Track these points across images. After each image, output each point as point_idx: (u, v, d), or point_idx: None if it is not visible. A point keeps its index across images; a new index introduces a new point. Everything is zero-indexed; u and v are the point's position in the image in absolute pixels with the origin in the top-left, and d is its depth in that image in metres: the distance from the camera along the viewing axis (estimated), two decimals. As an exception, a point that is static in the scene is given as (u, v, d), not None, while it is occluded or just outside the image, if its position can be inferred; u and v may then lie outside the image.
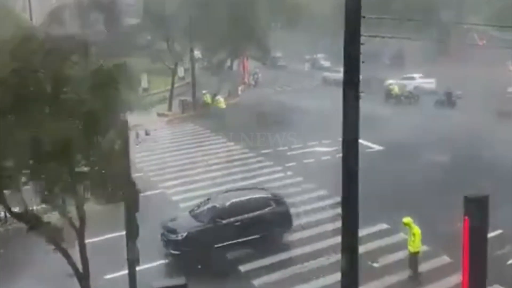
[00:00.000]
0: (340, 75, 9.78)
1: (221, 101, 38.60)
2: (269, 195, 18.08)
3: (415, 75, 46.06)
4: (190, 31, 38.86)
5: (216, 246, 15.91)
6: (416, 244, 14.95)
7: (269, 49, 44.96)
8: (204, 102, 39.31)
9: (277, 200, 17.80)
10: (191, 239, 16.02)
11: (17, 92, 10.18)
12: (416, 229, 14.99)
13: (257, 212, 16.97)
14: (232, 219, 16.57)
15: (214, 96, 39.35)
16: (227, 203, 17.13)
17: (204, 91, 39.80)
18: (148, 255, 13.89)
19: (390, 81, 43.31)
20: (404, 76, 45.38)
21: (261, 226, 16.68)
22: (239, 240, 16.17)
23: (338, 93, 9.47)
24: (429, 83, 44.50)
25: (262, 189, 19.55)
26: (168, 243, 16.37)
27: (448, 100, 37.47)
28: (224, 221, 16.52)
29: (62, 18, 42.44)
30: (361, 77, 9.17)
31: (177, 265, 16.13)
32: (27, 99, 10.29)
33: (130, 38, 41.35)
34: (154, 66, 41.32)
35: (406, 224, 15.12)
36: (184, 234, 16.10)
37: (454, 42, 64.24)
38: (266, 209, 17.19)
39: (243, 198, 17.58)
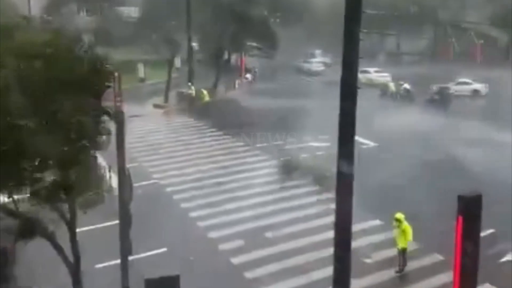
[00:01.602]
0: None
1: (205, 95, 38.34)
2: None
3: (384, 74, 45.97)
4: (188, 22, 38.76)
5: None
6: (406, 239, 14.98)
7: (276, 43, 44.74)
8: (189, 94, 38.89)
9: None
10: None
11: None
12: (406, 225, 15.04)
13: None
14: None
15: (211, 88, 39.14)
16: None
17: (189, 83, 39.39)
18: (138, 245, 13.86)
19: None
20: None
21: None
22: None
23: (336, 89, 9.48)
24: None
25: None
26: None
27: (441, 98, 37.54)
28: None
29: (60, 7, 42.30)
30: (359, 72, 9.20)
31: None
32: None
33: (128, 28, 41.22)
34: (151, 56, 41.26)
35: (397, 220, 15.16)
36: None
37: (452, 41, 64.62)
38: None
39: None
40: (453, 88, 40.91)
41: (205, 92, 38.62)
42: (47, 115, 10.11)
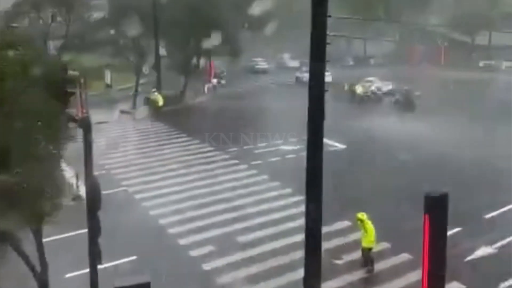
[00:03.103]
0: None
1: (159, 99, 37.85)
2: None
3: (371, 78, 46.57)
4: (156, 27, 38.50)
5: None
6: (369, 239, 15.03)
7: (239, 44, 44.80)
8: (154, 100, 38.26)
9: None
10: None
11: None
12: (369, 225, 15.08)
13: None
14: None
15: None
16: None
17: (153, 89, 38.90)
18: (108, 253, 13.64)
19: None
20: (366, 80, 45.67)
21: None
22: None
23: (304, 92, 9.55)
24: (387, 84, 44.92)
25: None
26: None
27: (406, 100, 38.23)
28: None
29: (23, 11, 41.35)
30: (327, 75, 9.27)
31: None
32: None
33: (94, 33, 40.63)
34: (117, 62, 40.74)
35: (360, 220, 15.21)
36: None
37: (416, 44, 65.82)
38: None
39: None
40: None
41: (159, 96, 38.17)
42: (10, 117, 9.81)
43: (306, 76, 45.30)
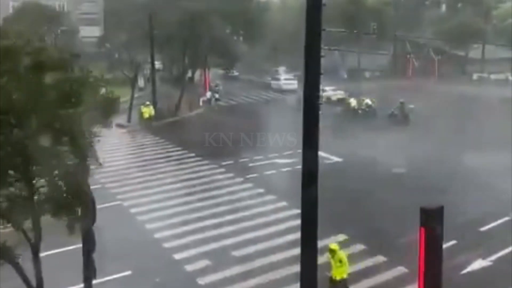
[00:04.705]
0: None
1: (145, 111, 37.77)
2: None
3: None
4: (151, 41, 38.67)
5: None
6: (343, 269, 13.78)
7: (236, 55, 45.08)
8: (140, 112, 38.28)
9: None
10: None
11: None
12: (343, 255, 13.91)
13: None
14: None
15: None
16: None
17: (147, 103, 38.92)
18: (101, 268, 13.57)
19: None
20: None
21: None
22: None
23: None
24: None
25: None
26: None
27: (401, 113, 38.38)
28: None
29: (16, 26, 41.51)
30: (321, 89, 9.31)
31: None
32: None
33: (89, 47, 40.83)
34: (112, 76, 40.84)
35: (332, 250, 13.82)
36: None
37: (410, 57, 66.30)
38: None
39: None
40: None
41: (145, 109, 38.15)
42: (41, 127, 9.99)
43: (282, 83, 45.04)
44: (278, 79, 54.99)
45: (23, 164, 10.09)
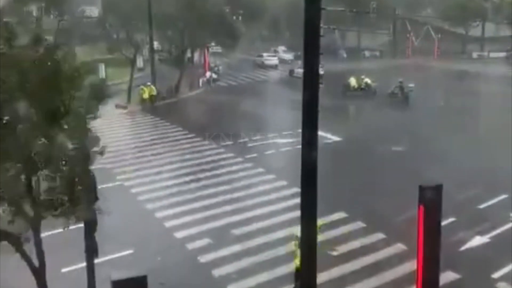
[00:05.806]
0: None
1: (144, 91, 37.57)
2: None
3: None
4: (150, 21, 38.40)
5: None
6: None
7: (238, 35, 44.78)
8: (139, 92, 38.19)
9: None
10: None
11: None
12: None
13: None
14: None
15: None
16: None
17: (148, 83, 38.67)
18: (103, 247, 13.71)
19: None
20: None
21: None
22: None
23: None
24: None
25: None
26: None
27: (401, 92, 38.31)
28: None
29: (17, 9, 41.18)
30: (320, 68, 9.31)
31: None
32: None
33: (88, 27, 40.55)
34: (112, 56, 40.65)
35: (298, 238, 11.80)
36: None
37: (410, 36, 65.90)
38: None
39: None
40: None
41: (145, 88, 38.06)
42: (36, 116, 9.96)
43: (263, 59, 45.24)
44: (261, 56, 58.25)
45: (22, 150, 10.05)
